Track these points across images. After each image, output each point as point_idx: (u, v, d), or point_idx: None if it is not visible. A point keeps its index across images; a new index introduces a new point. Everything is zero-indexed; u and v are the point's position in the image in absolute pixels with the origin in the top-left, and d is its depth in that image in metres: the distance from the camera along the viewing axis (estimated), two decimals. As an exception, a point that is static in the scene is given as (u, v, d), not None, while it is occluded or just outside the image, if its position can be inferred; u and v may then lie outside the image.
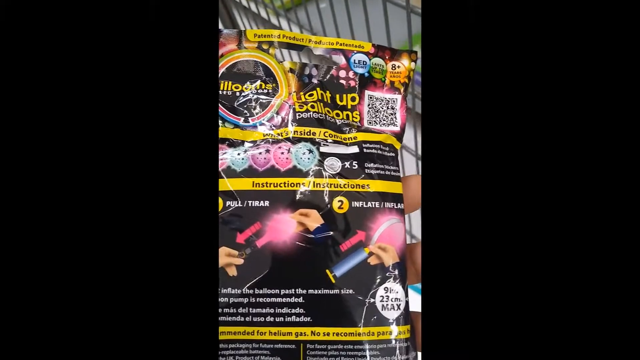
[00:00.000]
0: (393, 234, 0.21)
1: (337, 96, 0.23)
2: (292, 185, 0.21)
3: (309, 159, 0.21)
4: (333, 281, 0.20)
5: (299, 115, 0.22)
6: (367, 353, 0.20)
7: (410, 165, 0.49)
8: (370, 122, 0.23)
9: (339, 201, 0.21)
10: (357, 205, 0.21)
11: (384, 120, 0.23)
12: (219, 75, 0.22)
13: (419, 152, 0.43)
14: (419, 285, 0.51)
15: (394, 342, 0.20)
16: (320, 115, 0.22)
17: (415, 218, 0.55)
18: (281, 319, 0.20)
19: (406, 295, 0.21)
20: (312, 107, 0.22)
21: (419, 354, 0.21)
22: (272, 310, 0.20)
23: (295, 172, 0.21)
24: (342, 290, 0.20)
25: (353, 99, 0.23)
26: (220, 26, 0.75)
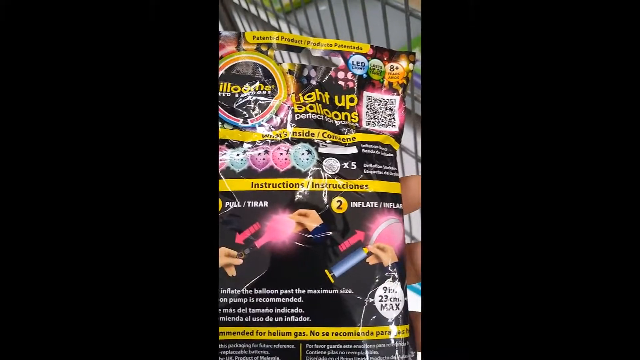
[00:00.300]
0: (392, 234, 0.21)
1: (336, 97, 0.23)
2: (291, 185, 0.21)
3: (307, 159, 0.21)
4: (332, 281, 0.20)
5: (298, 116, 0.22)
6: (366, 353, 0.20)
7: (410, 167, 0.49)
8: (368, 123, 0.23)
9: (337, 201, 0.21)
10: (356, 206, 0.21)
11: (382, 121, 0.23)
12: (219, 76, 0.22)
13: (419, 154, 0.43)
14: (419, 286, 0.51)
15: (393, 341, 0.20)
16: (319, 117, 0.22)
17: (415, 219, 0.55)
18: (280, 319, 0.20)
19: (405, 295, 0.21)
20: (311, 108, 0.22)
21: (419, 353, 0.21)
22: (271, 310, 0.20)
23: (294, 172, 0.21)
24: (341, 290, 0.20)
25: (352, 100, 0.23)
26: (220, 28, 0.76)
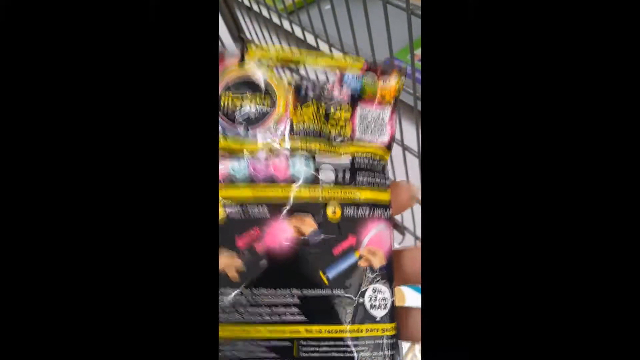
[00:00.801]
0: (381, 239, 0.23)
1: (332, 109, 0.25)
2: (289, 193, 0.23)
3: (305, 169, 0.23)
4: (326, 282, 0.22)
5: (296, 127, 0.24)
6: (356, 348, 0.22)
7: (414, 167, 0.50)
8: (361, 135, 0.25)
9: (332, 208, 0.23)
10: (349, 212, 0.23)
11: (374, 133, 0.25)
12: (222, 88, 0.24)
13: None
14: (419, 285, 0.51)
15: (380, 338, 0.22)
16: (316, 128, 0.24)
17: (419, 219, 0.56)
18: (277, 318, 0.22)
19: (392, 295, 0.23)
20: (308, 119, 0.24)
21: (405, 344, 0.22)
22: (269, 310, 0.22)
23: (292, 181, 0.23)
24: (334, 291, 0.22)
25: (346, 112, 0.25)
26: (223, 27, 0.76)
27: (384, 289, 0.23)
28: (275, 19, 0.68)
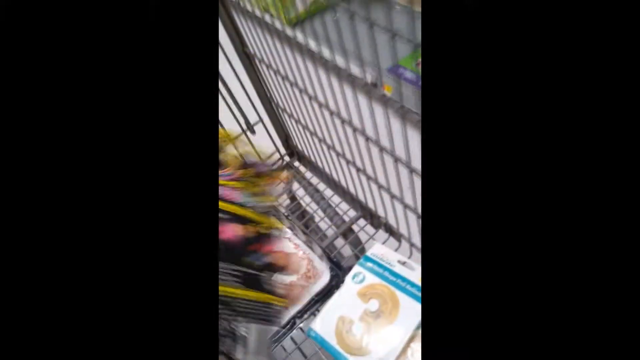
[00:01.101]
0: (285, 247, 0.42)
1: (261, 174, 0.44)
2: (240, 211, 0.39)
3: (248, 200, 0.40)
4: (255, 266, 0.39)
5: (242, 176, 0.41)
6: (262, 309, 0.41)
7: (405, 180, 0.50)
8: (271, 190, 0.44)
9: (263, 225, 0.40)
10: (271, 230, 0.40)
11: (276, 190, 0.44)
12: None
13: (412, 164, 0.44)
14: (418, 293, 0.53)
15: (273, 305, 0.42)
16: (251, 181, 0.41)
17: (413, 225, 0.57)
18: (229, 283, 0.38)
19: (286, 281, 0.41)
20: (250, 175, 0.42)
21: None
22: (225, 278, 0.38)
23: (242, 203, 0.40)
24: (259, 273, 0.39)
25: (267, 177, 0.44)
26: (221, 27, 0.77)
27: (281, 277, 0.40)
28: (278, 26, 0.68)
